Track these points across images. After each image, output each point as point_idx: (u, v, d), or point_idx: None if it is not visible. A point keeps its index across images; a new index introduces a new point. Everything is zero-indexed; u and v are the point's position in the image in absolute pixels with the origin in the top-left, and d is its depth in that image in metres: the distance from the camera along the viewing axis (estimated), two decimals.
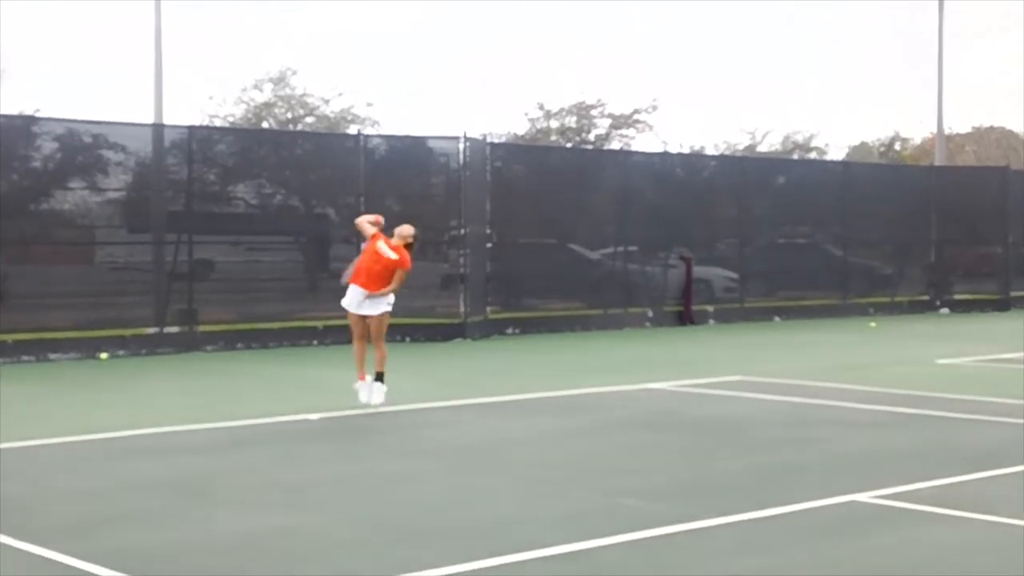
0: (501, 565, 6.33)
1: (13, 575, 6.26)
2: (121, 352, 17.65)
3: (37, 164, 18.54)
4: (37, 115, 19.85)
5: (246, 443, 10.30)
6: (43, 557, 6.49)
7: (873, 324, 23.77)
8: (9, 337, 17.05)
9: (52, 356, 17.12)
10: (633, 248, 23.70)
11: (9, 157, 18.09)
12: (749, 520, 7.32)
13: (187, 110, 46.21)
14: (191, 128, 20.04)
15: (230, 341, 18.65)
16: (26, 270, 18.40)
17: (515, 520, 7.43)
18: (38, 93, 46.50)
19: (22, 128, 18.67)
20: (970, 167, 38.22)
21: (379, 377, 12.11)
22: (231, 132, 27.10)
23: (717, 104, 62.47)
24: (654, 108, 38.97)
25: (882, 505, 7.74)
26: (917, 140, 48.48)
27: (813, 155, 43.19)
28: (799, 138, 44.07)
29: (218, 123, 33.67)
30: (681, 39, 60.74)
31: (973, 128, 49.66)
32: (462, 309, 20.39)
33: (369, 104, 37.57)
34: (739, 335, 21.61)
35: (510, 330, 21.16)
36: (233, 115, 35.25)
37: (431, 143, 21.64)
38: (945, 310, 27.53)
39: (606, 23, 57.45)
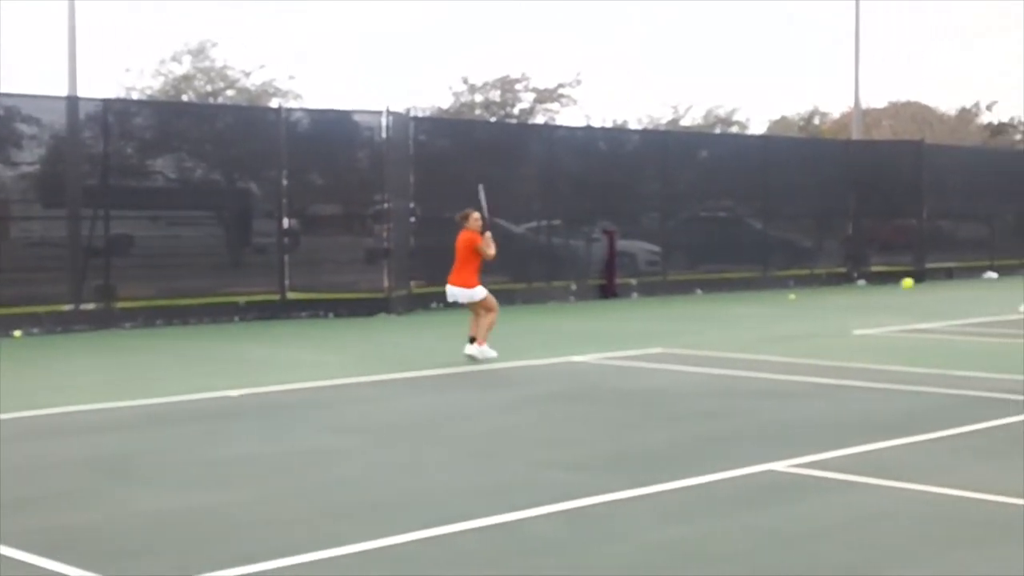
0: (427, 538, 6.35)
1: None
2: (35, 330, 17.33)
3: None
4: None
5: (165, 421, 10.17)
6: None
7: (792, 296, 24.12)
8: None
9: None
10: (557, 222, 23.79)
11: None
12: (669, 490, 7.41)
13: (104, 83, 45.38)
14: (106, 101, 19.65)
15: (149, 318, 18.42)
16: None
17: (439, 493, 7.45)
18: None
19: None
20: (886, 141, 38.88)
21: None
22: (149, 105, 26.64)
23: (640, 79, 62.79)
24: (578, 82, 39.11)
25: (797, 474, 7.87)
26: (836, 115, 49.20)
27: (735, 129, 43.62)
28: (721, 112, 44.49)
29: (136, 96, 33.07)
30: (604, 14, 60.82)
31: (889, 103, 50.49)
32: (386, 284, 20.34)
33: (291, 77, 37.18)
34: (662, 308, 21.81)
35: (434, 305, 21.11)
36: (151, 88, 34.69)
37: (355, 117, 21.48)
38: (862, 282, 28.07)
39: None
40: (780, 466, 8.04)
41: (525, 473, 8.00)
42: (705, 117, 43.89)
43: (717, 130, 42.22)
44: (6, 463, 8.38)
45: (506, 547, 6.29)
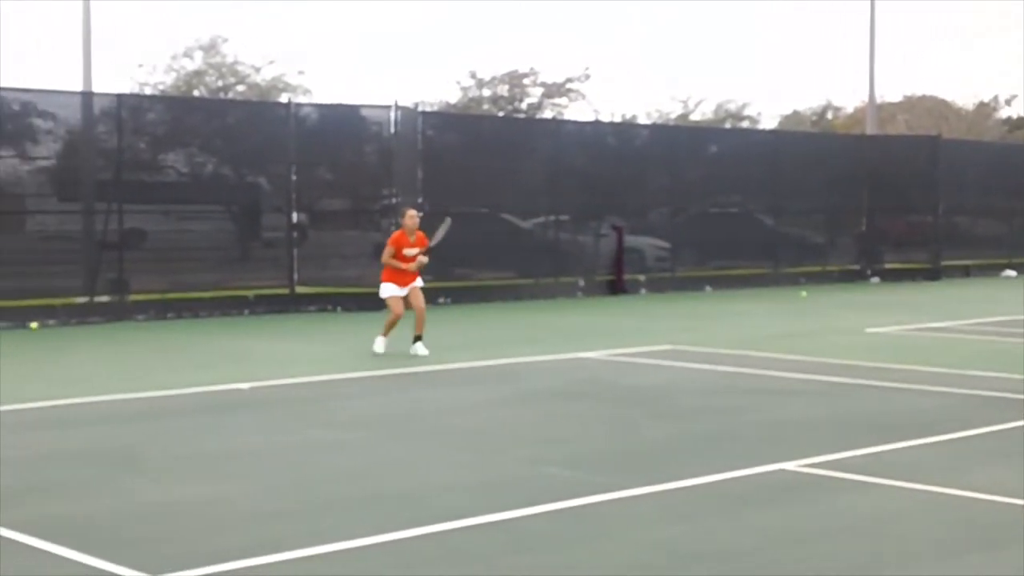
0: (426, 534, 6.35)
1: None
2: (51, 322, 17.48)
3: None
4: None
5: (174, 413, 10.24)
6: None
7: (804, 294, 23.98)
8: None
9: None
10: (565, 218, 23.77)
11: None
12: (674, 489, 7.34)
13: (117, 78, 45.46)
14: (120, 96, 19.74)
15: (161, 311, 18.53)
16: None
17: (439, 489, 7.44)
18: None
19: None
20: (901, 136, 38.61)
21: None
22: (161, 100, 26.72)
23: (650, 73, 62.68)
24: (586, 77, 39.03)
25: (809, 473, 7.78)
26: (849, 109, 49.02)
27: (745, 124, 43.54)
28: (731, 107, 44.39)
29: (148, 91, 33.18)
30: (613, 8, 60.81)
31: (905, 97, 50.20)
32: None
33: (300, 72, 37.16)
34: (670, 305, 21.74)
35: (441, 300, 21.15)
36: (164, 83, 34.80)
37: (363, 112, 21.50)
38: (876, 279, 27.94)
39: None
40: (791, 466, 7.97)
41: (526, 470, 7.98)
42: (715, 112, 43.80)
43: (727, 125, 42.14)
44: (16, 452, 8.48)
45: (504, 545, 6.27)
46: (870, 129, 32.94)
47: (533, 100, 38.84)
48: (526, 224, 23.49)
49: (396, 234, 13.86)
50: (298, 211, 20.24)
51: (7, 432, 9.31)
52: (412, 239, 13.71)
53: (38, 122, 18.36)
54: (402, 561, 5.99)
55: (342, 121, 21.51)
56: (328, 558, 5.97)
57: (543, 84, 38.75)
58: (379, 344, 13.77)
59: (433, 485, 7.58)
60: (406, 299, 13.76)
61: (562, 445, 8.84)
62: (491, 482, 7.69)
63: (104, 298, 18.31)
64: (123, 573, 5.67)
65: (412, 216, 13.80)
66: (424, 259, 13.77)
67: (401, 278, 13.71)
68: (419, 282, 13.88)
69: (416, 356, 13.52)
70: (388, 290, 13.75)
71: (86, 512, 6.85)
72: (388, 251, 13.76)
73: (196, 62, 35.17)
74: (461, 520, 6.60)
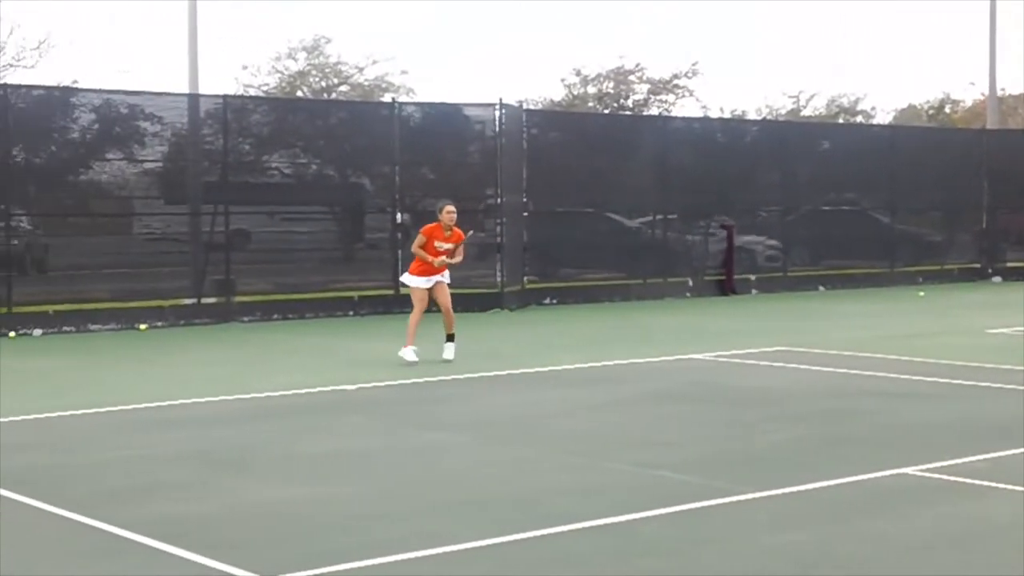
0: (535, 538, 6.19)
1: (56, 540, 6.36)
2: (159, 323, 17.65)
3: (75, 135, 18.53)
4: (75, 86, 19.78)
5: (281, 414, 10.22)
6: (83, 523, 6.56)
7: (921, 293, 23.39)
8: (50, 308, 17.14)
9: (92, 327, 17.16)
10: (673, 216, 23.41)
11: (48, 129, 18.10)
12: (789, 494, 7.13)
13: (222, 80, 46.19)
14: (226, 98, 19.89)
15: (266, 312, 18.61)
16: (65, 241, 18.48)
17: (548, 492, 7.26)
18: (76, 64, 46.61)
19: (60, 100, 18.63)
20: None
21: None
22: (265, 101, 26.92)
23: (760, 68, 61.70)
24: (694, 73, 38.45)
25: (930, 479, 7.51)
26: (968, 103, 47.56)
27: (859, 119, 42.54)
28: (845, 102, 43.40)
29: (252, 93, 33.53)
30: (723, 1, 59.96)
31: None
32: (499, 279, 20.20)
33: (404, 72, 37.20)
34: (782, 305, 21.31)
35: (547, 300, 20.98)
36: (267, 84, 35.13)
37: (467, 111, 21.40)
38: (997, 278, 26.99)
39: None
40: (912, 470, 7.67)
41: (636, 474, 7.77)
42: (827, 107, 42.88)
43: (840, 120, 41.21)
44: (127, 452, 8.56)
45: (615, 549, 6.10)
46: (991, 123, 31.86)
47: (639, 97, 38.39)
48: (633, 223, 23.18)
49: (430, 226, 13.22)
50: (401, 212, 20.17)
51: (118, 432, 9.41)
52: (447, 234, 13.17)
53: (145, 125, 18.56)
54: (511, 565, 5.86)
55: (445, 120, 21.43)
56: (437, 560, 5.88)
57: (649, 80, 38.29)
58: (408, 353, 12.91)
59: (542, 488, 7.40)
60: (431, 296, 13.19)
61: (672, 448, 8.61)
62: (601, 485, 7.48)
63: (211, 300, 18.46)
64: (236, 573, 5.66)
65: (450, 212, 13.19)
66: (451, 260, 13.11)
67: (427, 270, 13.13)
68: (446, 277, 13.20)
69: (446, 361, 12.98)
70: (411, 280, 13.23)
71: (197, 512, 6.85)
72: (419, 240, 13.11)
73: (299, 63, 35.46)
74: (571, 524, 6.44)
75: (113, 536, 6.32)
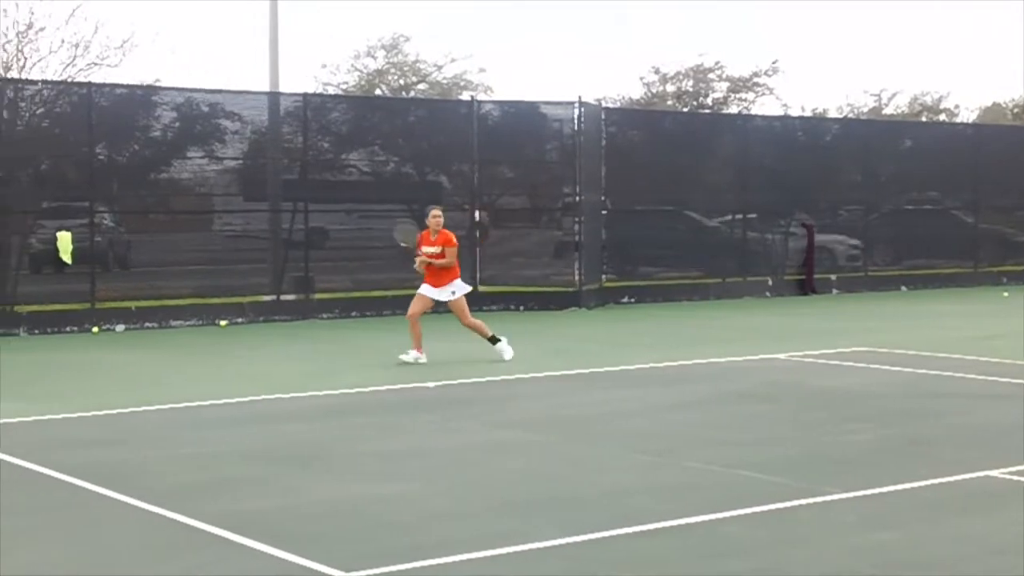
0: (613, 537, 6.12)
1: (135, 532, 6.44)
2: (239, 320, 17.84)
3: (157, 133, 18.77)
4: (157, 84, 20.03)
5: (359, 411, 10.26)
6: (161, 516, 6.64)
7: (1006, 294, 22.92)
8: (132, 304, 17.39)
9: (173, 323, 17.39)
10: (752, 215, 23.18)
11: (131, 127, 18.37)
12: (875, 495, 7.01)
13: (301, 78, 46.54)
14: (306, 96, 20.03)
15: (345, 309, 18.73)
16: (147, 238, 18.74)
17: (627, 491, 7.19)
18: (158, 62, 47.26)
19: (143, 98, 18.91)
20: None
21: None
22: (344, 100, 27.08)
23: (841, 65, 60.81)
24: (775, 71, 38.02)
25: (1017, 481, 7.33)
26: None
27: (942, 118, 41.80)
28: (928, 100, 42.67)
29: (331, 91, 33.76)
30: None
31: None
32: (577, 278, 20.13)
33: (482, 70, 37.22)
34: (863, 305, 20.99)
35: (625, 299, 20.87)
36: (346, 83, 35.35)
37: (545, 109, 21.34)
38: None
39: None
40: (997, 473, 7.50)
41: (716, 473, 7.67)
42: (910, 105, 42.18)
43: (923, 118, 40.51)
44: (207, 447, 8.66)
45: (697, 550, 6.02)
46: None
47: (719, 95, 38.05)
48: (712, 222, 22.98)
49: (419, 233, 13.51)
50: (480, 210, 20.18)
51: (198, 428, 9.51)
52: (434, 238, 13.24)
53: (225, 123, 18.76)
54: (588, 565, 5.79)
55: (524, 118, 21.41)
56: (511, 560, 5.83)
57: (729, 79, 37.93)
58: (410, 356, 12.99)
59: (619, 487, 7.33)
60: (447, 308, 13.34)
61: (753, 448, 8.49)
62: (680, 485, 7.40)
63: (290, 297, 18.62)
64: (315, 568, 5.67)
65: (435, 216, 13.33)
66: (436, 261, 13.06)
67: (428, 279, 13.28)
68: (444, 295, 13.22)
69: (502, 361, 13.03)
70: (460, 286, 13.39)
71: (275, 507, 6.88)
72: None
73: (378, 61, 35.64)
74: (650, 523, 6.37)
75: (191, 528, 6.38)
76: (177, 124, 18.63)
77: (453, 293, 13.25)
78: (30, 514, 6.79)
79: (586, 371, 12.51)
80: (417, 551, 5.89)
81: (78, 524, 6.60)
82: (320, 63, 42.77)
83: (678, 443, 8.74)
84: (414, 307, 13.24)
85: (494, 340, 13.23)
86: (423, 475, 7.74)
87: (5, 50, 19.61)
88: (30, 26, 19.62)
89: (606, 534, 6.17)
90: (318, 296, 18.79)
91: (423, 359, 12.94)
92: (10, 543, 6.15)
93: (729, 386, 11.42)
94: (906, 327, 16.86)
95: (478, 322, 13.43)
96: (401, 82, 35.38)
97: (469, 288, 13.63)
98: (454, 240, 13.30)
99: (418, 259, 13.27)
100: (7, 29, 19.58)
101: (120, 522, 6.63)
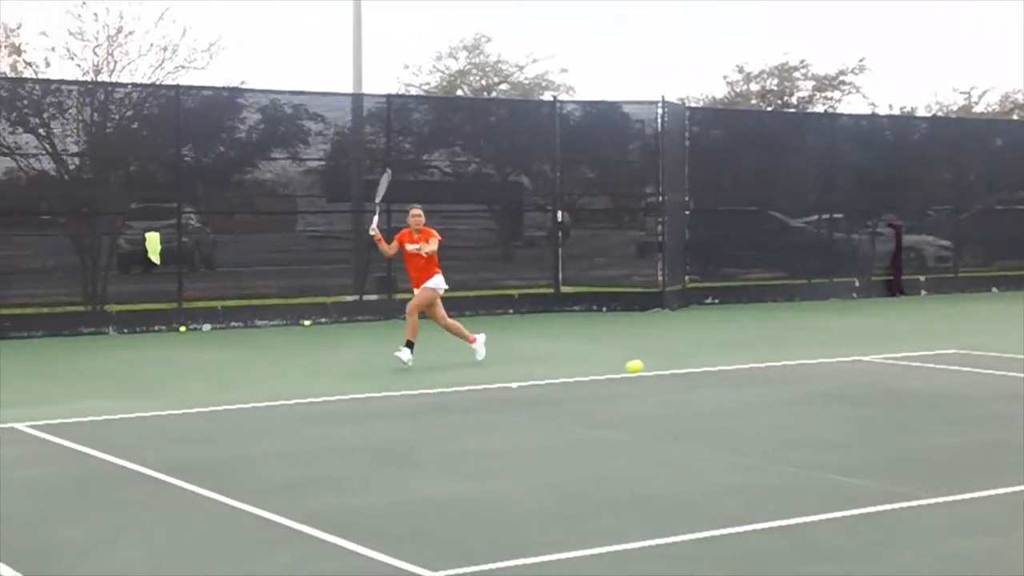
0: (703, 539, 6.06)
1: (228, 529, 6.51)
2: (323, 320, 17.97)
3: (242, 135, 18.98)
4: (242, 87, 20.26)
5: (446, 410, 10.29)
6: (253, 514, 6.67)
7: None
8: (219, 303, 17.61)
9: (259, 323, 17.58)
10: (838, 215, 22.84)
11: (216, 129, 18.61)
12: (967, 500, 6.85)
13: (383, 79, 46.78)
14: (389, 97, 20.14)
15: None
16: (232, 239, 18.96)
17: (716, 492, 7.11)
18: (244, 64, 47.79)
19: (228, 100, 19.14)
20: None
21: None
22: (427, 100, 27.19)
23: (930, 63, 59.75)
24: (861, 69, 37.40)
25: None
26: None
27: None
28: (1019, 98, 41.70)
29: (414, 92, 33.91)
30: None
31: None
32: (660, 278, 19.98)
33: (564, 70, 37.06)
34: (953, 306, 20.58)
35: (709, 300, 20.68)
36: (428, 83, 35.46)
37: (627, 108, 21.23)
38: None
39: None
40: None
41: (805, 476, 7.55)
42: (1001, 103, 41.26)
43: (1015, 116, 39.60)
44: (297, 446, 8.72)
45: (788, 552, 5.93)
46: None
47: (804, 94, 37.52)
48: (797, 222, 22.67)
49: (401, 232, 13.45)
50: (561, 210, 20.12)
51: (288, 426, 9.59)
52: (416, 236, 13.19)
53: (309, 124, 18.91)
54: (680, 566, 5.74)
55: (606, 118, 21.32)
56: (604, 560, 5.79)
57: (815, 77, 37.39)
58: (404, 354, 12.90)
59: (708, 488, 7.24)
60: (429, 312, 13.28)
61: (842, 450, 8.35)
62: (770, 487, 7.30)
63: (372, 297, 18.71)
64: (403, 567, 5.67)
65: (414, 215, 13.29)
66: (424, 248, 12.98)
67: (413, 278, 13.27)
68: (432, 284, 13.18)
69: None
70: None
71: (363, 505, 6.90)
72: (394, 246, 13.36)
73: (460, 62, 35.69)
74: (741, 525, 6.29)
75: (282, 527, 6.40)
76: (262, 125, 18.84)
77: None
78: (124, 511, 6.86)
79: (673, 372, 12.41)
80: (509, 550, 5.87)
81: (173, 522, 6.65)
82: (403, 64, 42.94)
83: (767, 445, 8.61)
84: (417, 304, 13.22)
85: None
86: (513, 474, 7.72)
87: (96, 53, 20.04)
88: (120, 30, 20.00)
89: (700, 535, 6.11)
90: (400, 296, 18.84)
91: (408, 359, 12.74)
92: (104, 541, 6.22)
93: (819, 388, 11.25)
94: (998, 329, 16.49)
95: (455, 323, 13.50)
96: (483, 83, 35.40)
97: (446, 288, 13.49)
98: (436, 234, 13.27)
99: (373, 229, 13.41)
100: (97, 32, 20.01)
101: (210, 520, 6.68)
